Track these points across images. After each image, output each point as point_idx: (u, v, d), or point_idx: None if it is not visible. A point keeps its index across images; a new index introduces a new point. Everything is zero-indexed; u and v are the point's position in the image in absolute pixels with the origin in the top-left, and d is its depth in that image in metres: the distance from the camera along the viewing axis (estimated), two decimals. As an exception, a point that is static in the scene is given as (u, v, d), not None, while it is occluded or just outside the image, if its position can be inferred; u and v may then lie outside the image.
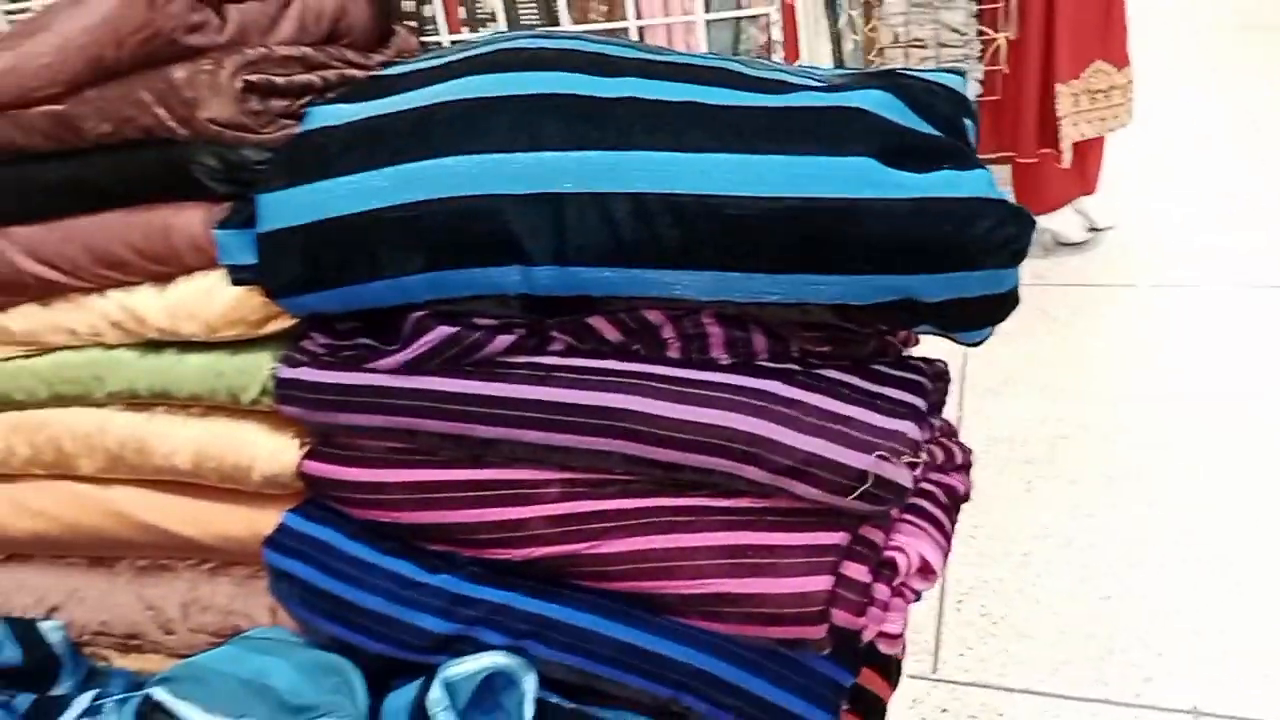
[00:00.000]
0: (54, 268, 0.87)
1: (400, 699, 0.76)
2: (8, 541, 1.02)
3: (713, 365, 0.75)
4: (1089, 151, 3.04)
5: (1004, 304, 0.70)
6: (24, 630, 0.98)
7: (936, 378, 0.81)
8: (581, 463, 0.76)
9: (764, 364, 0.75)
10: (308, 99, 0.84)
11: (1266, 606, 1.71)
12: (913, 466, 0.69)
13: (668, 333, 0.76)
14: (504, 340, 0.76)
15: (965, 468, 0.86)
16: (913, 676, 1.65)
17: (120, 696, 0.90)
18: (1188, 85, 4.68)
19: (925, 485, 0.79)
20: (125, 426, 0.90)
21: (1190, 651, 1.64)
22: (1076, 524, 1.96)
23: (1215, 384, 2.37)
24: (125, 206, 0.84)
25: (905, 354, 0.82)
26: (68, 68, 0.80)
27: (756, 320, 0.74)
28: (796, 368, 0.75)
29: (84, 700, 0.94)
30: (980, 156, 0.70)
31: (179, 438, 0.88)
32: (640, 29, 1.25)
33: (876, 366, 0.77)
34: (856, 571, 0.70)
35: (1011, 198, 0.66)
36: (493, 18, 1.32)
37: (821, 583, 0.70)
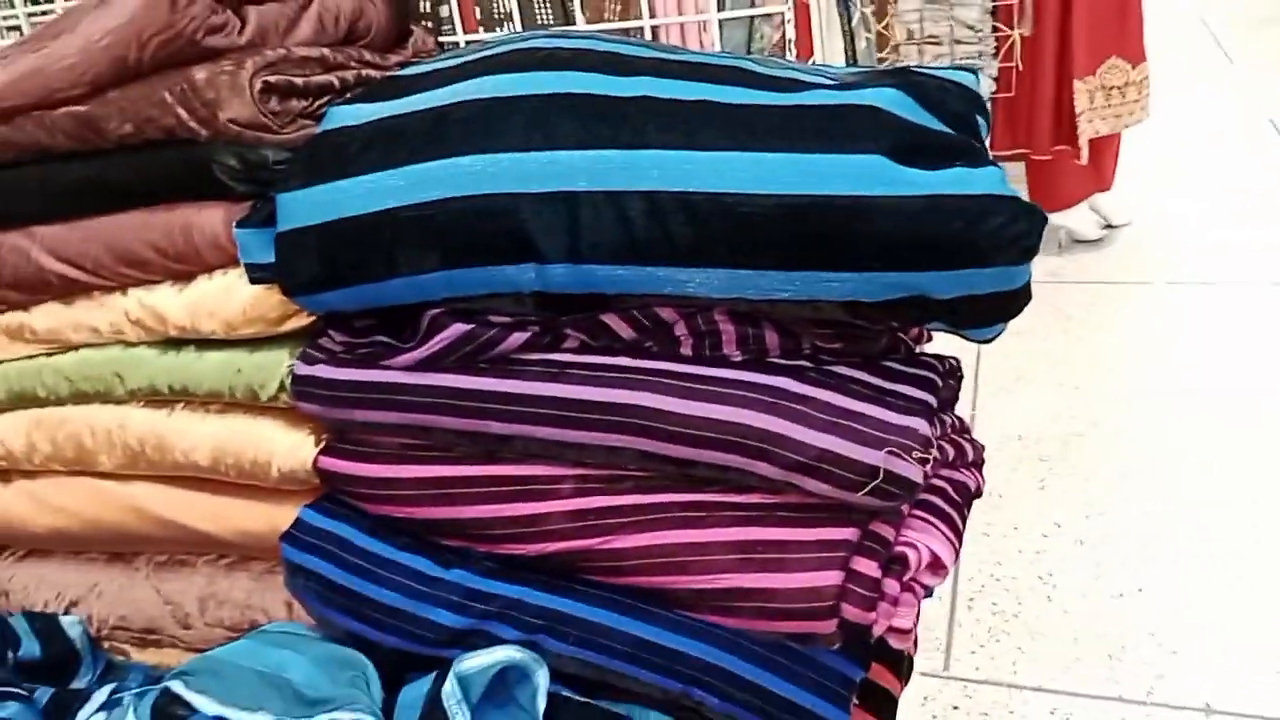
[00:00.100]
0: (76, 266, 0.88)
1: (414, 692, 0.77)
2: (28, 537, 1.03)
3: (725, 362, 0.76)
4: (1105, 148, 3.03)
5: (1015, 300, 0.70)
6: (44, 624, 0.99)
7: (948, 374, 0.82)
8: (595, 459, 0.77)
9: (776, 361, 0.76)
10: (326, 99, 0.85)
11: (1278, 604, 1.70)
12: (924, 462, 0.70)
13: (680, 330, 0.76)
14: (518, 337, 0.77)
15: (978, 464, 0.86)
16: (924, 674, 1.65)
17: (138, 690, 0.91)
18: (1203, 81, 4.66)
19: (936, 481, 0.79)
20: (145, 423, 0.91)
21: (1203, 649, 1.64)
22: (1089, 521, 1.96)
23: (1230, 381, 2.36)
24: (146, 206, 0.85)
25: (917, 350, 0.82)
26: (91, 69, 0.81)
27: (768, 317, 0.75)
28: (808, 364, 0.76)
29: (102, 694, 0.94)
30: (995, 154, 0.70)
31: (198, 434, 0.89)
32: (654, 28, 1.26)
33: (888, 363, 0.78)
34: (867, 567, 0.71)
35: (1025, 195, 0.66)
36: (509, 17, 1.33)
37: (832, 578, 0.70)
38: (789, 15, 1.24)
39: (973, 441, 0.87)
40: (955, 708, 1.60)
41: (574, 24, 1.29)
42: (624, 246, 0.71)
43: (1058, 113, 2.92)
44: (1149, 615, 1.72)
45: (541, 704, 0.76)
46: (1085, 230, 3.18)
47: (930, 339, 0.86)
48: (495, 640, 0.79)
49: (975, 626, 1.75)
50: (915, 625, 0.74)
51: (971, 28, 2.81)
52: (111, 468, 0.94)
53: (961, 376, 0.85)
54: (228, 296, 0.84)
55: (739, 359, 0.76)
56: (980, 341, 0.77)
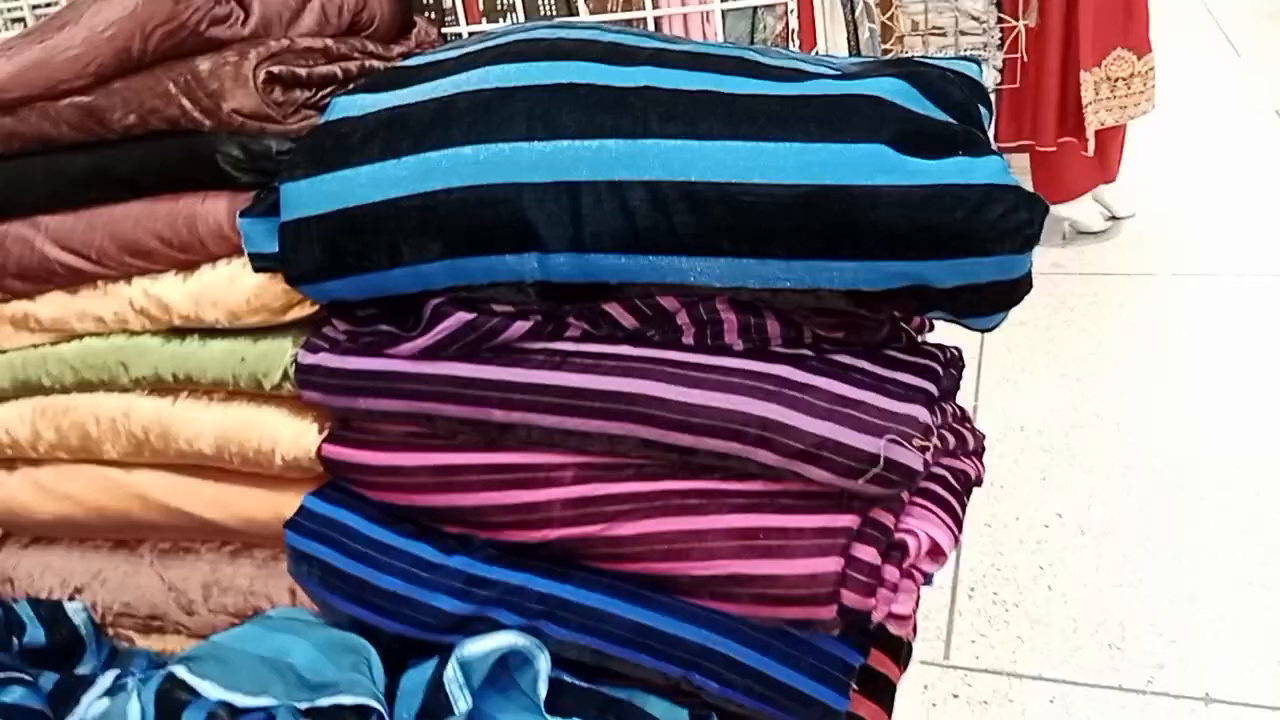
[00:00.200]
0: (81, 256, 0.89)
1: (417, 677, 0.78)
2: (33, 524, 1.04)
3: (726, 351, 0.76)
4: (1110, 140, 3.02)
5: (1016, 290, 0.70)
6: (49, 611, 1.00)
7: (949, 363, 0.82)
8: (597, 447, 0.77)
9: (777, 350, 0.76)
10: (330, 90, 0.85)
11: (1277, 594, 1.71)
12: (924, 450, 0.70)
13: (682, 319, 0.77)
14: (521, 326, 0.78)
15: (978, 452, 0.86)
16: (925, 662, 1.66)
17: (142, 675, 0.92)
18: (1210, 73, 4.65)
19: (937, 470, 0.79)
20: (149, 411, 0.92)
21: (1203, 639, 1.64)
22: (1091, 512, 1.96)
23: (1234, 373, 2.36)
24: (151, 196, 0.86)
25: (919, 340, 0.83)
26: (95, 60, 0.81)
27: (770, 306, 0.75)
28: (809, 353, 0.76)
29: (107, 679, 0.95)
30: (1000, 145, 0.70)
31: (202, 422, 0.90)
32: (657, 18, 1.26)
33: (889, 352, 0.78)
34: (867, 553, 0.71)
35: (1029, 186, 0.66)
36: (511, 8, 1.33)
37: (832, 564, 0.71)
38: (792, 6, 1.24)
39: (973, 430, 0.87)
40: (955, 696, 1.60)
41: (577, 14, 1.29)
42: (626, 236, 0.71)
43: (1063, 104, 2.91)
44: (1149, 605, 1.72)
45: (543, 689, 0.76)
46: (1089, 222, 3.17)
47: (932, 328, 0.87)
48: (497, 626, 0.79)
49: (975, 616, 1.75)
50: (915, 612, 0.74)
51: (976, 19, 2.80)
52: (116, 456, 0.94)
53: (963, 366, 0.85)
54: (231, 286, 0.84)
55: (740, 348, 0.77)
56: (982, 330, 0.77)
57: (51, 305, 0.93)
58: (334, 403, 0.84)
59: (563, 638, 0.79)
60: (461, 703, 0.75)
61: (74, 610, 1.01)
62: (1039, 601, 1.76)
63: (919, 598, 0.75)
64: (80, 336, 0.94)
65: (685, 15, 1.28)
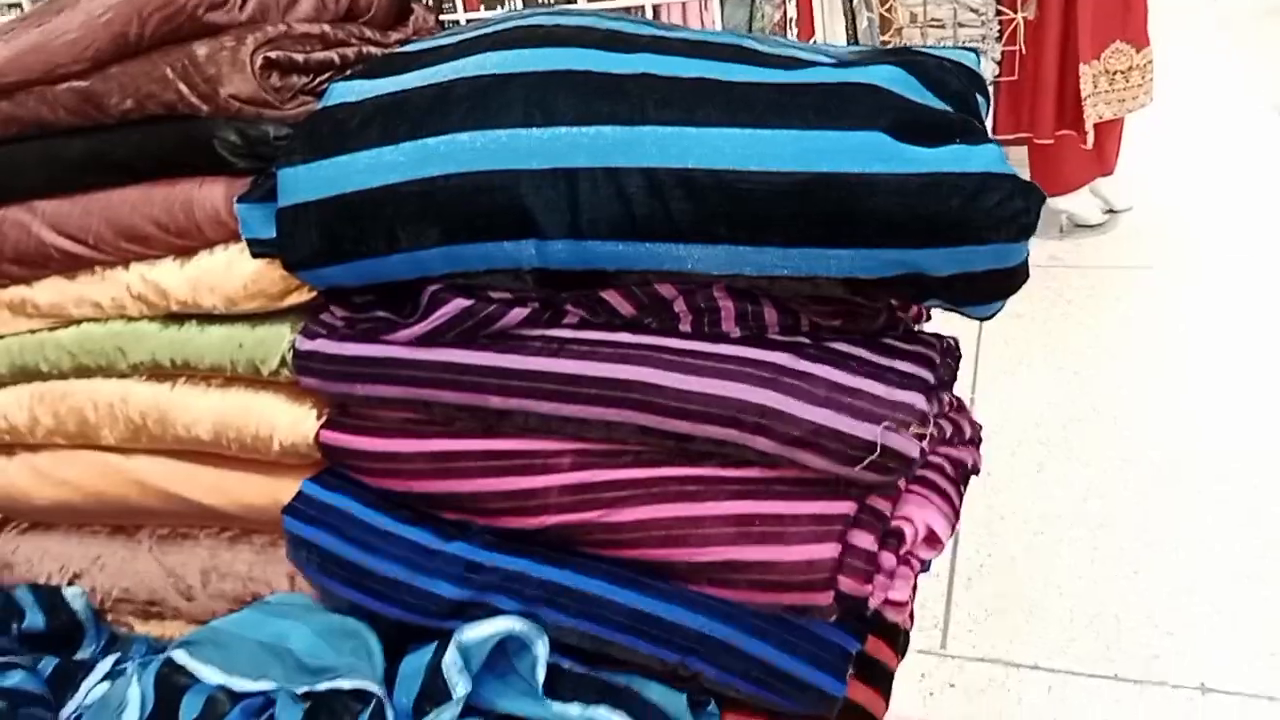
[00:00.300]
0: (78, 241, 0.89)
1: (416, 662, 0.78)
2: (32, 510, 1.04)
3: (724, 338, 0.76)
4: (1108, 133, 3.03)
5: (1013, 278, 0.70)
6: (48, 596, 1.00)
7: (946, 352, 0.82)
8: (594, 433, 0.77)
9: (774, 337, 0.76)
10: (327, 75, 0.85)
11: (1274, 586, 1.71)
12: (921, 438, 0.70)
13: (679, 306, 0.77)
14: (518, 313, 0.78)
15: (975, 442, 0.87)
16: (922, 651, 1.66)
17: (141, 660, 0.92)
18: (1208, 67, 4.64)
19: (934, 458, 0.80)
20: (147, 397, 0.92)
21: (1199, 630, 1.65)
22: (1088, 504, 1.97)
23: (1231, 367, 2.36)
24: (148, 181, 0.86)
25: (916, 329, 0.83)
26: (92, 44, 0.81)
27: (767, 294, 0.75)
28: (806, 341, 0.76)
29: (106, 664, 0.96)
30: (998, 137, 0.70)
31: (200, 408, 0.90)
32: (655, 6, 1.26)
33: (886, 340, 0.78)
34: (863, 540, 0.71)
35: (1025, 177, 0.67)
36: (509, -5, 1.33)
37: (829, 550, 0.71)
38: (790, -5, 1.24)
39: (970, 420, 0.87)
40: (952, 685, 1.61)
41: (575, 1, 1.29)
42: (623, 223, 0.71)
43: (1061, 97, 2.91)
44: (1145, 596, 1.73)
45: (541, 674, 0.76)
46: (1087, 215, 3.18)
47: (929, 317, 0.87)
48: (495, 612, 0.79)
49: (973, 606, 1.76)
50: (911, 599, 0.75)
51: (975, 11, 2.80)
52: (114, 441, 0.95)
53: (959, 355, 0.85)
54: (229, 271, 0.84)
55: (737, 335, 0.77)
56: (979, 319, 0.77)
57: (49, 290, 0.93)
58: (332, 389, 0.84)
59: (561, 623, 0.79)
60: (460, 687, 0.75)
61: (73, 596, 1.01)
62: (1036, 592, 1.77)
63: (916, 584, 0.76)
64: (78, 322, 0.94)
65: (684, 3, 1.28)
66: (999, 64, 2.86)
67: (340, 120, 0.79)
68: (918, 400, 0.72)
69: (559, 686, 0.77)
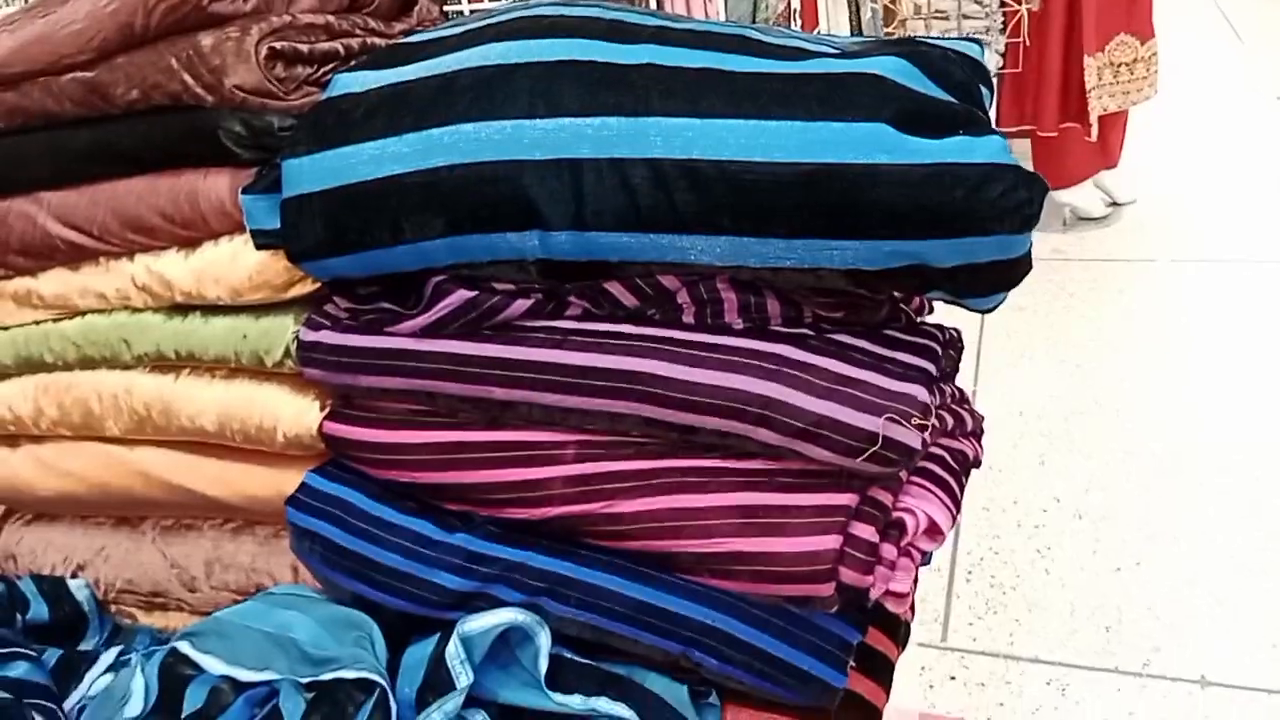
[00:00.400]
0: (83, 232, 0.89)
1: (419, 652, 0.78)
2: (36, 501, 1.04)
3: (727, 330, 0.76)
4: (1112, 125, 3.02)
5: (1016, 270, 0.70)
6: (52, 587, 1.01)
7: (948, 344, 0.82)
8: (597, 424, 0.77)
9: (777, 329, 0.77)
10: (332, 66, 0.85)
11: (1275, 578, 1.71)
12: (922, 429, 0.70)
13: (683, 298, 0.77)
14: (522, 304, 0.78)
15: (976, 434, 0.87)
16: (922, 644, 1.67)
17: (145, 651, 0.92)
18: (1212, 59, 4.63)
19: (935, 449, 0.80)
20: (151, 388, 0.92)
21: (1199, 623, 1.65)
22: (1089, 497, 1.97)
23: (1233, 360, 2.36)
24: (153, 172, 0.86)
25: (919, 320, 0.83)
26: (98, 35, 0.81)
27: (770, 285, 0.75)
28: (809, 332, 0.76)
29: (110, 655, 0.96)
30: (1002, 130, 0.70)
31: (204, 399, 0.90)
32: (659, -1, 1.26)
33: (888, 332, 0.78)
34: (865, 531, 0.72)
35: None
36: (513, -14, 1.33)
37: (830, 542, 0.71)
38: (794, -14, 1.24)
39: (972, 412, 0.87)
40: (952, 678, 1.61)
41: (579, -6, 1.28)
42: (627, 214, 0.71)
43: (1065, 89, 2.91)
44: (1146, 589, 1.73)
45: (544, 665, 0.77)
46: (1090, 208, 3.17)
47: (931, 309, 0.87)
48: (498, 603, 0.80)
49: (973, 599, 1.76)
50: (912, 590, 0.75)
51: (979, 2, 2.80)
52: (118, 432, 0.95)
53: (962, 347, 0.85)
54: (233, 262, 0.84)
55: (740, 327, 0.77)
56: (981, 311, 0.77)
57: (54, 282, 0.93)
58: (335, 380, 0.84)
59: (563, 614, 0.79)
60: (463, 678, 0.75)
61: (77, 587, 1.01)
62: (1036, 585, 1.77)
63: (917, 576, 0.76)
64: (82, 313, 0.94)
65: (688, -5, 1.28)
66: (1003, 56, 2.85)
67: (345, 111, 0.79)
68: (920, 392, 0.72)
69: (561, 677, 0.77)
